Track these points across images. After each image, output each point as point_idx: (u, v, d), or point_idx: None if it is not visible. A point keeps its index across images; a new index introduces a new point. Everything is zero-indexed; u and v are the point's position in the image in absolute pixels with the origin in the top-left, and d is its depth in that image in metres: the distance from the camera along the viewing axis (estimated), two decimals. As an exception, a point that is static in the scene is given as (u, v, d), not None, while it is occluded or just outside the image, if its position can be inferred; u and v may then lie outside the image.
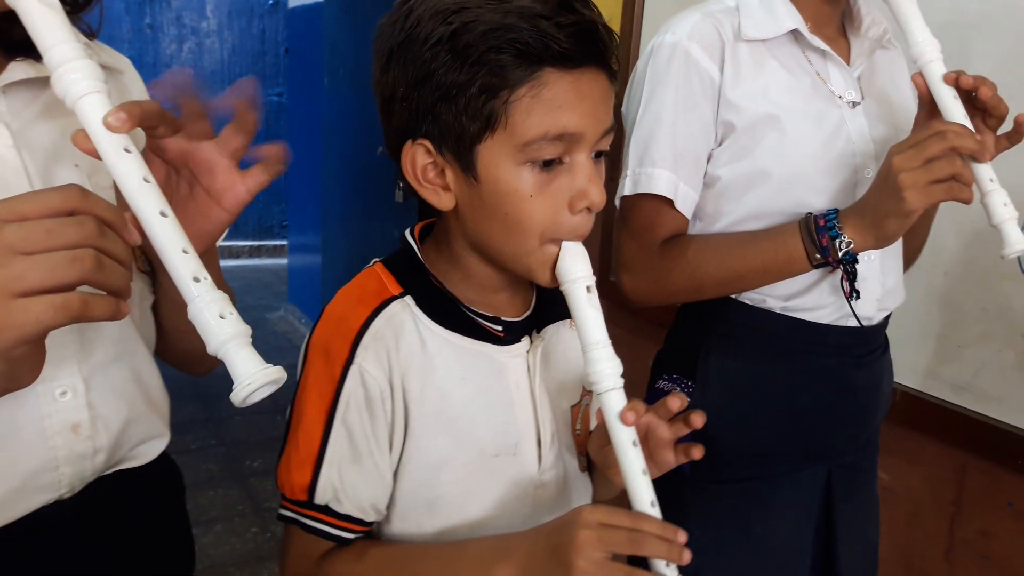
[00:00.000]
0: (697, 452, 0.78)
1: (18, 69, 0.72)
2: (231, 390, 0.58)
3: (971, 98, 1.00)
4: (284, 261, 5.92)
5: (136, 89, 0.89)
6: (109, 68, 0.83)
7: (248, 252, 6.67)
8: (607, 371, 0.74)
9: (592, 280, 0.76)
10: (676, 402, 0.75)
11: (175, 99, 0.66)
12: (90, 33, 0.82)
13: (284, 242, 6.32)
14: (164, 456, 0.87)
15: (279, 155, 0.72)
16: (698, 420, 0.76)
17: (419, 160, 0.77)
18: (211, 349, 0.58)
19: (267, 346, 4.62)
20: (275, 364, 0.59)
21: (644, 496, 0.74)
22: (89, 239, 0.54)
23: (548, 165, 0.73)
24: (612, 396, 0.74)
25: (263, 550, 2.67)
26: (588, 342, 0.75)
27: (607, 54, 0.74)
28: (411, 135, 0.76)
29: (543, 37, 0.69)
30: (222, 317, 0.58)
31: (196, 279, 0.59)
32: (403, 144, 0.77)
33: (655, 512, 0.73)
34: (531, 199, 0.73)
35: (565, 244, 0.76)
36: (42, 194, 0.55)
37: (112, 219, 0.56)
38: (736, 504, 1.17)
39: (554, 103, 0.71)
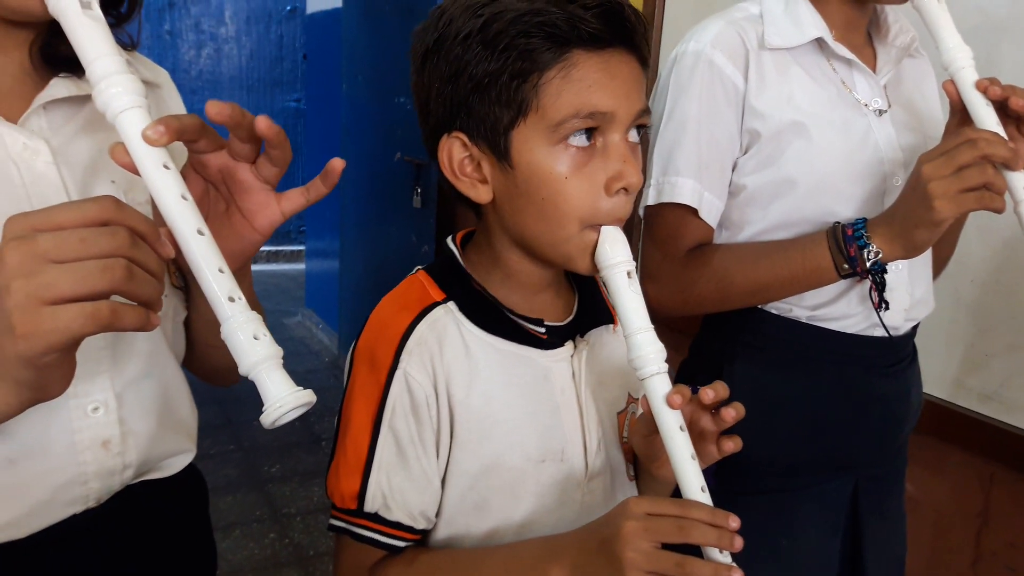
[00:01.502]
0: (732, 445, 0.77)
1: (60, 86, 0.73)
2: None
3: (1004, 106, 0.98)
4: (302, 266, 5.93)
5: (174, 103, 0.89)
6: (148, 82, 0.84)
7: (266, 257, 6.70)
8: (651, 355, 0.74)
9: (632, 265, 0.76)
10: (712, 393, 0.74)
11: (229, 120, 0.65)
12: (131, 45, 0.82)
13: (302, 247, 6.34)
14: (190, 466, 0.88)
15: (336, 170, 0.71)
16: (729, 415, 0.75)
17: (455, 154, 0.78)
18: (243, 370, 0.58)
19: (285, 351, 4.60)
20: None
21: (693, 482, 0.73)
22: (121, 249, 0.54)
23: (586, 138, 0.74)
24: (657, 380, 0.74)
25: (281, 556, 2.68)
26: (630, 328, 0.75)
27: (635, 36, 0.75)
28: (446, 130, 0.78)
29: (570, 19, 0.70)
30: (256, 339, 0.58)
31: (231, 299, 0.59)
32: (439, 141, 0.79)
33: (705, 498, 0.73)
34: (566, 181, 0.74)
35: (604, 229, 0.76)
36: (77, 204, 0.55)
37: (146, 231, 0.57)
38: (762, 516, 1.15)
39: (584, 83, 0.72)
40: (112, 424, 0.74)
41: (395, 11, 3.38)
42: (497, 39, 0.71)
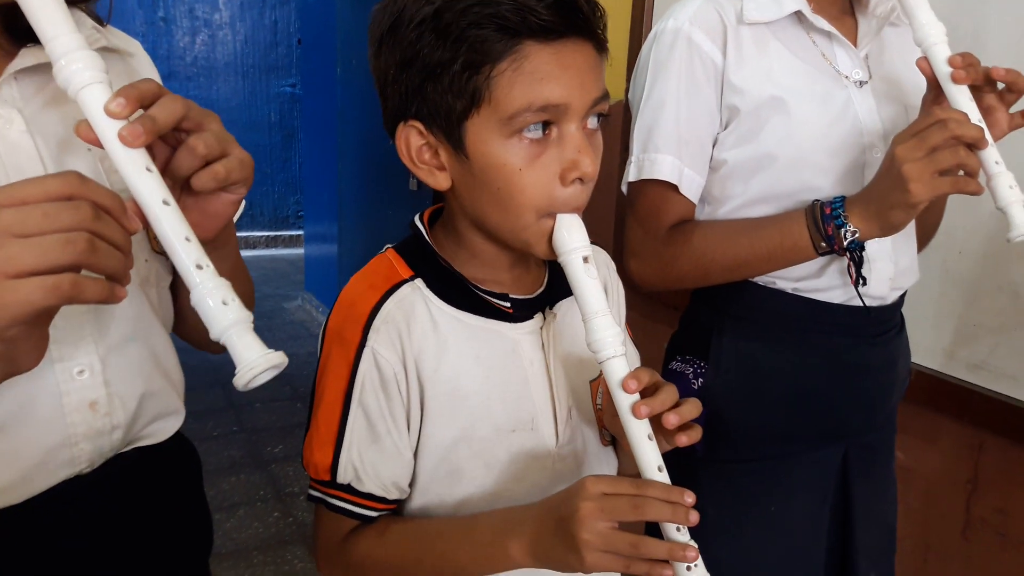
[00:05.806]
0: (684, 439, 0.75)
1: (28, 56, 0.73)
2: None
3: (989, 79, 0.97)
4: (300, 250, 5.95)
5: (146, 71, 0.89)
6: (119, 51, 0.84)
7: (264, 242, 6.70)
8: (608, 339, 0.74)
9: (589, 251, 0.76)
10: (675, 419, 0.73)
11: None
12: (102, 23, 0.82)
13: (300, 232, 6.35)
14: (180, 435, 0.89)
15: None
16: (680, 440, 0.74)
17: (413, 141, 0.78)
18: (214, 335, 0.60)
19: (284, 334, 4.68)
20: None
21: (651, 461, 0.74)
22: (84, 223, 0.55)
23: (541, 130, 0.73)
24: (614, 363, 0.74)
25: (285, 534, 2.71)
26: (587, 312, 0.75)
27: (590, 24, 0.74)
28: (403, 117, 0.78)
29: (521, 10, 0.69)
30: (225, 304, 0.59)
31: (199, 266, 0.60)
32: (397, 128, 0.79)
33: (663, 477, 0.73)
34: (520, 172, 0.74)
35: (560, 216, 0.76)
36: (42, 180, 0.56)
37: (110, 205, 0.57)
38: (751, 483, 1.18)
39: (536, 75, 0.71)
40: (98, 386, 0.75)
41: (388, -7, 3.38)
42: (449, 29, 0.70)
